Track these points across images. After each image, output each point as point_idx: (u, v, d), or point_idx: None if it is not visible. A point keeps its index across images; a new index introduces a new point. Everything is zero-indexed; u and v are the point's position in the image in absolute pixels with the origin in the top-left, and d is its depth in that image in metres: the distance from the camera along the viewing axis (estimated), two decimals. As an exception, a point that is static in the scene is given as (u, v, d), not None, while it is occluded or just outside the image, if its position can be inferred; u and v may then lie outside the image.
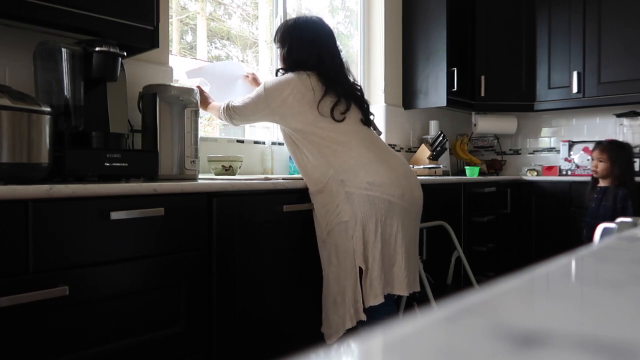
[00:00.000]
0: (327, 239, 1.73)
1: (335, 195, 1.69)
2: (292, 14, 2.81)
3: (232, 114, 1.91)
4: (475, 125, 3.73)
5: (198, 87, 2.04)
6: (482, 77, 3.49)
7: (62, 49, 1.56)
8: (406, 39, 3.45)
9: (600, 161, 2.63)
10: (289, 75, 1.79)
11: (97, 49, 1.57)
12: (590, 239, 2.46)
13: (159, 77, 2.10)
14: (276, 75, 1.87)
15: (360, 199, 1.67)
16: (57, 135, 1.44)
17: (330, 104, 1.74)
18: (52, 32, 1.64)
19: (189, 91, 1.83)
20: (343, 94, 1.77)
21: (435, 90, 3.31)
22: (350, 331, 1.71)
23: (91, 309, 1.29)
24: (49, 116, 1.35)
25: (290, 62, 1.85)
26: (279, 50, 1.92)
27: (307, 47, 1.82)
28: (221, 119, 2.00)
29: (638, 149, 3.23)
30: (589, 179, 2.86)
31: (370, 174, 1.69)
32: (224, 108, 1.94)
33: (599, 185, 2.68)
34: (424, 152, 3.28)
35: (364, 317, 1.67)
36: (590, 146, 3.34)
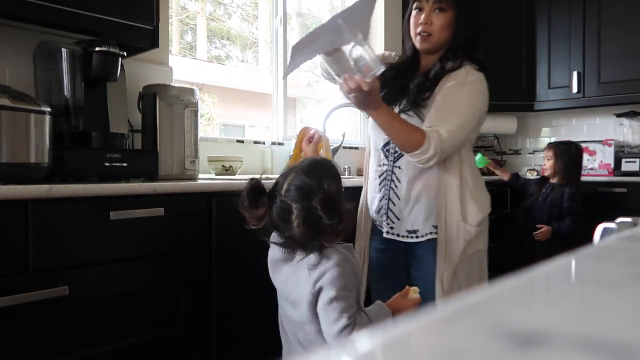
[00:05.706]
0: None
1: None
2: (292, 14, 2.81)
3: (446, 149, 1.33)
4: (475, 125, 3.73)
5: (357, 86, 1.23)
6: (482, 77, 3.49)
7: (62, 49, 1.56)
8: (406, 39, 3.44)
9: (548, 159, 2.76)
10: (480, 74, 1.45)
11: (97, 49, 1.57)
12: (526, 230, 2.66)
13: (159, 77, 2.10)
14: (443, 68, 1.42)
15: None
16: (57, 135, 1.44)
17: None
18: (52, 32, 1.64)
19: (189, 91, 1.83)
20: None
21: (435, 90, 3.30)
22: None
23: (91, 309, 1.29)
24: (49, 116, 1.35)
25: (457, 40, 1.43)
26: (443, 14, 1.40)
27: (478, 23, 1.47)
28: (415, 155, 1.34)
29: (638, 149, 3.23)
30: (588, 179, 2.88)
31: None
32: (434, 149, 1.31)
33: (549, 182, 2.78)
34: (424, 152, 3.27)
35: None
36: (590, 146, 3.35)
